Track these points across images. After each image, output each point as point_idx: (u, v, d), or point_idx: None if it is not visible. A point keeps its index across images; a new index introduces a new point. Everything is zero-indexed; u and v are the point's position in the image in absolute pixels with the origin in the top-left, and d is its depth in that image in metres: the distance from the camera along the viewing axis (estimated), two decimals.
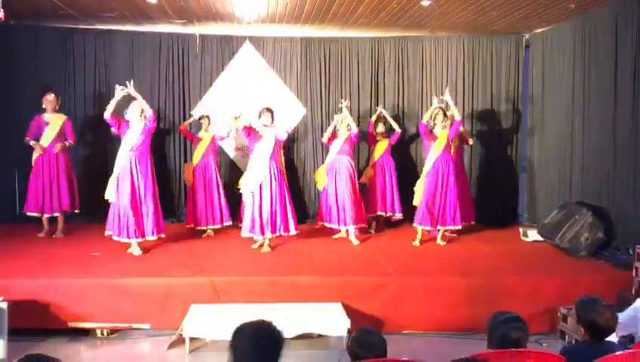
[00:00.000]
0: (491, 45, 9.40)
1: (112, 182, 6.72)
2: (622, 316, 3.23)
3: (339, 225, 7.80)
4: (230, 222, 8.09)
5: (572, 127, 7.98)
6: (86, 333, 5.58)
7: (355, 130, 7.92)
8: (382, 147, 8.42)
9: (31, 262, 6.30)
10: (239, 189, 7.57)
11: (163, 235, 6.99)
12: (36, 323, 5.44)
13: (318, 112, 9.36)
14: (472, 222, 8.29)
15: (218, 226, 8.06)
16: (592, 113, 7.51)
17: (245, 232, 7.14)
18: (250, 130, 7.09)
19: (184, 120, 8.93)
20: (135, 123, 6.81)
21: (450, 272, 6.23)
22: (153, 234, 6.84)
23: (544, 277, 6.08)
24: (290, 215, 7.22)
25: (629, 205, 6.71)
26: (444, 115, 7.44)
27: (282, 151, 7.87)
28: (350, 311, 5.44)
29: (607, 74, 7.12)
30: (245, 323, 2.58)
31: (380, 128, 8.48)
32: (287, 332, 5.14)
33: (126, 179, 6.69)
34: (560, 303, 5.55)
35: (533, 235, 7.75)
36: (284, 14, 8.06)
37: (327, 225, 7.93)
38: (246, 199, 7.20)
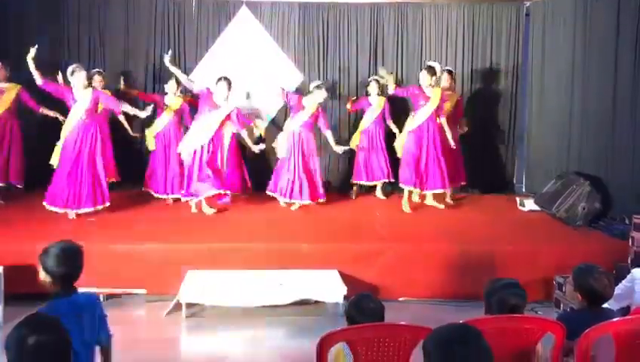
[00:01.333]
0: (491, 13, 9.27)
1: None
2: (617, 288, 3.23)
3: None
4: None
5: (571, 97, 7.92)
6: None
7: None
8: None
9: (25, 226, 6.28)
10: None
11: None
12: (32, 288, 5.38)
13: (315, 78, 9.23)
14: (463, 183, 8.33)
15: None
16: (592, 83, 7.44)
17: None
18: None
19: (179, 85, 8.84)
20: None
21: (446, 240, 6.24)
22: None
23: (540, 246, 6.10)
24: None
25: (626, 176, 6.70)
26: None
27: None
28: (346, 278, 5.45)
29: (607, 44, 7.03)
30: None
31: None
32: (284, 298, 5.21)
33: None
34: (556, 272, 5.57)
35: (530, 204, 7.75)
36: None
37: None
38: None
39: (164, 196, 7.85)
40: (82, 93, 6.74)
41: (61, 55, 8.70)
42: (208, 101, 7.19)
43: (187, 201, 7.32)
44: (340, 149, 7.84)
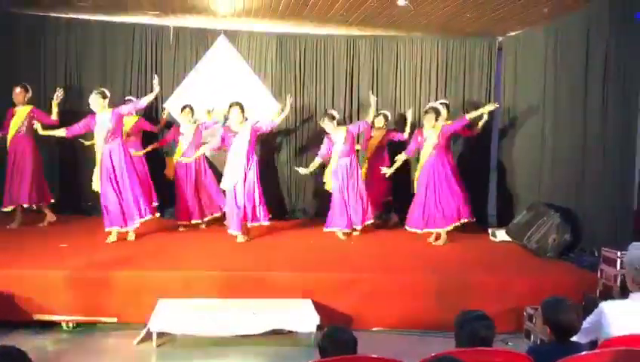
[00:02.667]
0: (465, 47, 9.49)
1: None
2: (586, 322, 3.28)
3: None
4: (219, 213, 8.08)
5: (542, 130, 8.08)
6: (52, 326, 5.50)
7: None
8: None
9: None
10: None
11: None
12: (0, 315, 5.34)
13: (292, 108, 9.32)
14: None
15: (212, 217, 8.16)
16: (563, 117, 7.61)
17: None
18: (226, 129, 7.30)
19: (156, 113, 8.87)
20: None
21: (419, 270, 6.28)
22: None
23: (512, 276, 6.15)
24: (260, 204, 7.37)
25: (596, 207, 6.82)
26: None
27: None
28: (320, 308, 5.44)
29: (577, 79, 7.22)
30: None
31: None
32: (257, 328, 5.18)
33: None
34: (526, 303, 5.62)
35: (501, 235, 7.85)
36: (260, 8, 8.03)
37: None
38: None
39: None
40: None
41: (38, 82, 8.65)
42: (229, 133, 7.28)
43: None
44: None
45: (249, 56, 9.23)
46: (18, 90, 7.67)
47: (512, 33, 9.10)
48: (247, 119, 7.34)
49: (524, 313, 5.61)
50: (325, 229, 7.77)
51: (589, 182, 7.01)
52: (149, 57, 9.10)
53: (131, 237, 7.02)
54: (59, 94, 7.63)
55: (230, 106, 7.30)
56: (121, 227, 6.91)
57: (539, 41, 8.28)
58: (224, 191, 7.65)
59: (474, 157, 9.47)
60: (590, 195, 6.96)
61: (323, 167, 8.12)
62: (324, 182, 8.16)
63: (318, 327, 5.11)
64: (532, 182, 8.31)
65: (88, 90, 8.50)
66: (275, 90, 9.23)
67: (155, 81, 7.13)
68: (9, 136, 7.68)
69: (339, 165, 7.73)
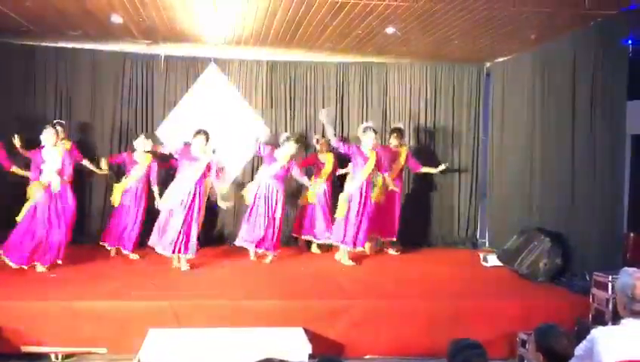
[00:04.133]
0: (453, 73, 9.59)
1: None
2: (578, 348, 3.27)
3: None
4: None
5: (532, 155, 8.14)
6: (41, 358, 5.42)
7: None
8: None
9: None
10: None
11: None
12: None
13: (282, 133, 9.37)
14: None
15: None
16: (551, 141, 7.67)
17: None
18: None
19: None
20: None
21: (411, 295, 6.26)
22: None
23: (504, 302, 6.14)
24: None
25: (586, 232, 6.83)
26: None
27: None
28: (312, 336, 5.39)
29: (565, 103, 7.29)
30: None
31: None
32: (247, 357, 5.12)
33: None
34: (519, 328, 5.60)
35: (492, 260, 7.86)
36: (250, 36, 8.09)
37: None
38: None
39: (127, 252, 7.78)
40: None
41: (27, 108, 8.65)
42: (186, 155, 7.24)
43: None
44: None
45: (239, 83, 9.28)
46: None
47: (500, 59, 9.20)
48: (213, 152, 7.41)
49: (517, 339, 5.59)
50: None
51: (579, 206, 7.04)
52: (139, 85, 9.13)
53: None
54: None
55: (198, 133, 7.26)
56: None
57: (526, 67, 8.38)
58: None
59: (464, 182, 9.51)
60: (580, 220, 6.98)
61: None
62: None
63: (310, 356, 5.06)
64: (522, 207, 8.33)
65: (79, 119, 8.61)
66: (265, 117, 9.27)
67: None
68: None
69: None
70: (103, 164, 7.96)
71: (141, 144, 7.91)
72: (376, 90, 9.56)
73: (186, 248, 7.13)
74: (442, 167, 8.65)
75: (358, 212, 7.57)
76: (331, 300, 6.01)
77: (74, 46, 8.82)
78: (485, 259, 7.98)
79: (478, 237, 9.62)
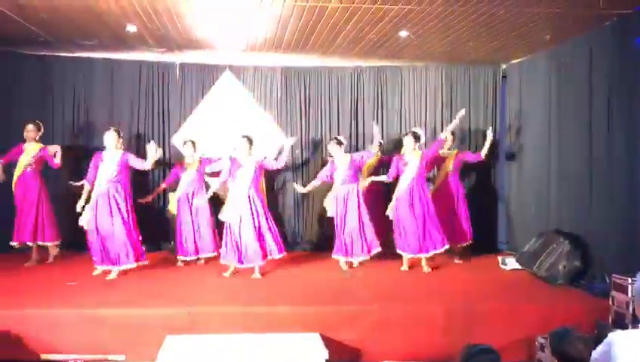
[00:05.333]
0: (469, 75, 9.54)
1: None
2: (595, 352, 3.22)
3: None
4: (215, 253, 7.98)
5: (549, 156, 8.07)
6: None
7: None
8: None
9: (3, 292, 6.19)
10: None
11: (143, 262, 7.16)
12: (8, 354, 5.32)
13: (297, 140, 9.38)
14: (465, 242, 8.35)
15: (210, 255, 8.05)
16: (568, 142, 7.60)
17: (226, 261, 7.27)
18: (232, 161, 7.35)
19: (164, 148, 8.96)
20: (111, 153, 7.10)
21: (428, 300, 6.22)
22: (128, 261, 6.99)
23: (522, 305, 6.08)
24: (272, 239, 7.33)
25: (605, 233, 6.76)
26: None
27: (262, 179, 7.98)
28: (328, 342, 5.38)
29: (582, 104, 7.22)
30: None
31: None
32: None
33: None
34: (538, 332, 5.54)
35: (511, 263, 7.79)
36: (265, 43, 8.12)
37: None
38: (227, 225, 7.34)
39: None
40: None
41: (46, 120, 8.74)
42: (235, 164, 7.33)
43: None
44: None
45: (254, 90, 9.32)
46: (30, 127, 7.77)
47: (516, 60, 9.14)
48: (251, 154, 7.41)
49: (536, 342, 5.53)
50: (333, 256, 7.78)
51: (597, 207, 6.96)
52: (155, 93, 9.22)
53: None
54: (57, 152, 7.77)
55: (240, 138, 7.37)
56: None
57: (542, 67, 8.31)
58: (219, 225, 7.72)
59: (481, 185, 9.45)
60: (599, 221, 6.90)
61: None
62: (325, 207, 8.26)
63: None
64: (540, 209, 8.26)
65: (96, 127, 8.69)
66: (280, 123, 9.29)
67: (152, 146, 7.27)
68: (17, 173, 7.74)
69: (340, 191, 7.76)
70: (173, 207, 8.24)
71: (190, 150, 8.08)
72: (391, 93, 9.53)
73: (278, 249, 7.30)
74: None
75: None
76: (347, 306, 5.99)
77: (90, 55, 8.91)
78: (504, 262, 7.92)
79: (496, 239, 9.54)
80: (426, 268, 7.57)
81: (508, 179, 9.42)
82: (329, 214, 8.08)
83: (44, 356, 5.42)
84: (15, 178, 7.76)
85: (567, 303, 6.16)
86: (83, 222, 7.04)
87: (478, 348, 2.92)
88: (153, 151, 7.13)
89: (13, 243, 7.73)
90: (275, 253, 7.31)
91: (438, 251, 7.58)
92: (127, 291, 6.39)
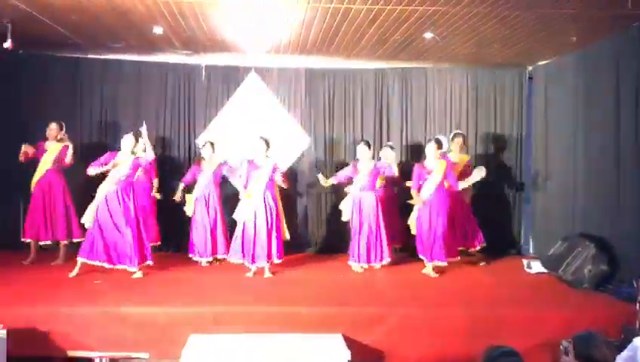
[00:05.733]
0: (494, 77, 9.48)
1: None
2: (620, 357, 3.20)
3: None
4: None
5: (575, 159, 7.98)
6: None
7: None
8: None
9: (31, 289, 6.30)
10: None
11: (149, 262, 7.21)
12: (35, 351, 5.42)
13: (321, 142, 9.42)
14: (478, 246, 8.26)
15: (221, 257, 8.09)
16: (595, 144, 7.51)
17: (235, 258, 7.40)
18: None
19: (189, 149, 9.05)
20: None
21: (452, 303, 6.19)
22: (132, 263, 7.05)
23: (547, 309, 6.02)
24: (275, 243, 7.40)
25: (632, 237, 6.66)
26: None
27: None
28: (350, 343, 5.38)
29: (609, 105, 7.13)
30: None
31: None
32: None
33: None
34: (562, 336, 5.42)
35: (536, 267, 7.71)
36: (289, 45, 8.17)
37: None
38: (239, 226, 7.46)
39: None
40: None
41: (73, 120, 8.91)
42: (252, 165, 7.44)
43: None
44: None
45: (279, 92, 9.35)
46: (53, 126, 7.88)
47: (542, 62, 9.05)
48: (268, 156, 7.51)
49: (560, 347, 5.44)
50: (349, 262, 7.78)
51: (624, 210, 6.87)
52: (181, 94, 9.33)
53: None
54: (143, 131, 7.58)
55: (257, 140, 7.47)
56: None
57: (569, 69, 8.23)
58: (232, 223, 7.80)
59: (506, 187, 9.38)
60: (625, 224, 6.81)
61: None
62: (341, 210, 8.23)
63: None
64: (566, 212, 8.16)
65: (123, 128, 8.81)
66: (304, 125, 9.31)
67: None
68: (39, 172, 7.85)
69: (358, 196, 7.76)
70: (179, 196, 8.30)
71: (208, 151, 8.18)
72: (416, 96, 9.51)
73: (278, 254, 7.38)
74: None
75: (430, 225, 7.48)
76: (370, 307, 5.98)
77: (118, 57, 9.05)
78: (529, 266, 7.85)
79: (521, 242, 9.46)
80: (432, 274, 7.51)
81: (533, 181, 9.32)
82: (344, 218, 8.10)
83: (70, 353, 5.50)
84: (38, 176, 7.86)
85: (593, 307, 6.08)
86: (86, 219, 7.20)
87: (500, 351, 2.91)
88: (145, 132, 7.29)
89: (45, 242, 7.86)
90: (276, 258, 7.40)
91: (453, 260, 7.60)
92: (151, 290, 6.46)
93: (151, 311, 5.72)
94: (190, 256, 8.08)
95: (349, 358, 5.11)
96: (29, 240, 7.82)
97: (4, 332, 5.04)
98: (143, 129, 7.33)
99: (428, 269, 7.52)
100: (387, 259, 7.67)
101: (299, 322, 5.69)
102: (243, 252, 7.36)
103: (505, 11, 6.36)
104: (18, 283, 6.53)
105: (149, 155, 7.31)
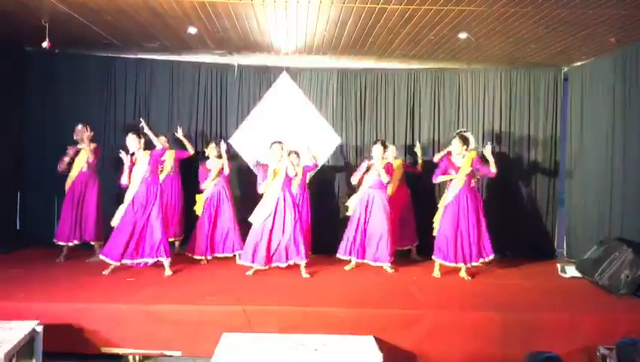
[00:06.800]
0: (529, 78, 9.34)
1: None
2: None
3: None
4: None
5: (612, 162, 7.83)
6: (118, 359, 5.62)
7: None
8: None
9: (67, 286, 6.39)
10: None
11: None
12: (69, 347, 5.49)
13: (352, 142, 9.40)
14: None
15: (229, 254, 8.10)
16: (632, 147, 7.37)
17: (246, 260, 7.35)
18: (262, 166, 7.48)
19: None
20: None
21: (486, 307, 6.09)
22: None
23: (583, 314, 5.90)
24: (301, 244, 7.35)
25: None
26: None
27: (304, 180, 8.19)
28: (382, 345, 5.35)
29: None
30: None
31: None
32: None
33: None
34: (599, 342, 5.39)
35: (571, 271, 7.59)
36: (321, 45, 8.16)
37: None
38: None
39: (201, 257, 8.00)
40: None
41: (108, 118, 9.04)
42: (267, 169, 7.44)
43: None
44: None
45: (311, 92, 9.35)
46: (80, 127, 7.97)
47: (578, 63, 8.90)
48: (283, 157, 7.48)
49: (597, 353, 5.37)
50: (338, 255, 7.83)
51: None
52: (214, 94, 9.39)
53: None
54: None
55: (272, 144, 7.44)
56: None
57: (606, 71, 8.08)
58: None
59: (541, 191, 9.25)
60: None
61: None
62: (347, 206, 8.14)
63: None
64: (602, 216, 8.02)
65: (156, 127, 8.88)
66: (336, 125, 9.29)
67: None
68: (73, 174, 7.98)
69: (367, 194, 7.75)
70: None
71: (214, 150, 8.18)
72: (449, 96, 9.43)
73: (300, 255, 7.32)
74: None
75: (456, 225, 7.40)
76: (403, 309, 5.93)
77: (152, 57, 9.15)
78: (563, 270, 7.72)
79: (556, 246, 9.32)
80: (465, 277, 7.44)
81: (568, 185, 9.18)
82: (348, 213, 8.05)
83: (103, 349, 5.56)
84: (73, 177, 7.99)
85: (630, 313, 5.95)
86: (115, 222, 7.19)
87: (544, 356, 2.86)
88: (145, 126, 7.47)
89: (60, 243, 7.94)
90: (297, 258, 7.33)
91: (480, 262, 7.46)
92: (184, 288, 6.50)
93: (185, 309, 5.75)
94: (192, 255, 8.07)
95: (381, 360, 5.08)
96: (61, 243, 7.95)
97: (41, 327, 5.11)
98: (142, 124, 7.45)
99: (462, 273, 7.44)
100: (386, 264, 7.64)
101: (331, 323, 5.67)
102: (254, 255, 7.29)
103: (542, 11, 6.27)
104: (54, 281, 6.62)
105: (157, 146, 7.37)
